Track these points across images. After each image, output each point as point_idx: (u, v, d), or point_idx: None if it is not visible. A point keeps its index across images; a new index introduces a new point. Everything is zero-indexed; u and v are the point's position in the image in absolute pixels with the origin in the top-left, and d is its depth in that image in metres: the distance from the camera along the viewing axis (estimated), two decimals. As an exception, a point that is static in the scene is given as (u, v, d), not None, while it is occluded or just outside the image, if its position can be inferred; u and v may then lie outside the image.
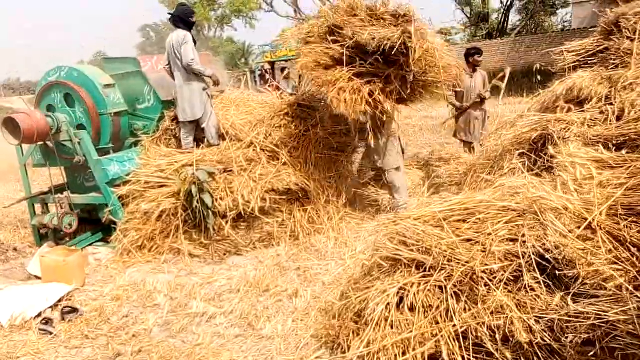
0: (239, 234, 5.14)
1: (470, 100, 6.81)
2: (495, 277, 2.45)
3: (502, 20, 28.11)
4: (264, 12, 29.18)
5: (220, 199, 5.02)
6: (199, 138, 5.93)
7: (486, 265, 2.47)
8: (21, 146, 5.48)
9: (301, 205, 5.52)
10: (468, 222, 2.75)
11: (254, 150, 5.54)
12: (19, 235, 6.34)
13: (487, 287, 2.44)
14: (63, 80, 5.48)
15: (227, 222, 5.05)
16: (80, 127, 5.47)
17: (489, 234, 2.60)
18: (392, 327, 2.63)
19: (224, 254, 5.10)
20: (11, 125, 5.00)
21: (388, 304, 2.67)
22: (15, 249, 5.64)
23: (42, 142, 5.34)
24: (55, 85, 5.47)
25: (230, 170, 5.28)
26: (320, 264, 4.66)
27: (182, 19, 5.68)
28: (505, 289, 2.44)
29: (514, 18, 29.96)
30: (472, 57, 6.91)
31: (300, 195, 5.48)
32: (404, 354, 2.52)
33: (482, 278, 2.45)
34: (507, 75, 6.86)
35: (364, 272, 3.24)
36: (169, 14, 5.88)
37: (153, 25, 43.41)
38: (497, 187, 3.05)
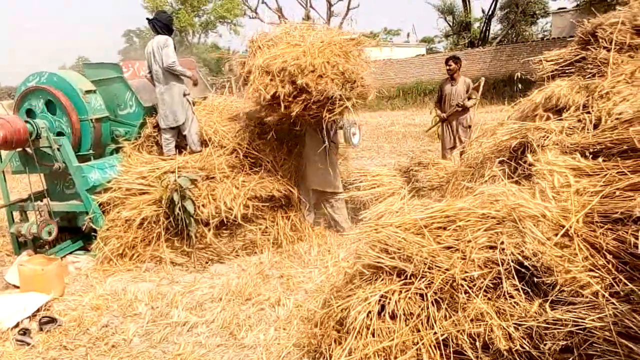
0: (221, 242, 5.11)
1: (452, 108, 6.90)
2: (475, 285, 2.46)
3: (484, 29, 28.54)
4: (248, 18, 29.18)
5: (203, 206, 5.00)
6: (181, 145, 5.89)
7: (466, 272, 2.48)
8: (-1, 152, 5.39)
9: (284, 213, 5.52)
10: (448, 230, 2.76)
11: (236, 156, 5.52)
12: (-4, 244, 6.22)
13: (467, 295, 2.45)
14: (43, 85, 5.41)
15: (209, 230, 5.03)
16: (60, 133, 5.40)
17: (469, 242, 2.61)
18: (373, 336, 2.62)
19: (206, 262, 5.07)
20: (-12, 132, 4.91)
21: (369, 312, 2.66)
22: (-8, 258, 5.52)
23: (21, 149, 5.26)
24: (35, 91, 5.41)
25: (213, 177, 5.25)
26: (303, 271, 4.65)
27: (164, 25, 5.70)
28: (485, 296, 2.46)
29: (495, 27, 30.50)
30: (446, 64, 7.09)
31: (283, 202, 5.48)
32: (385, 362, 2.52)
33: (462, 285, 2.46)
34: (482, 85, 6.97)
35: (346, 279, 3.24)
36: (148, 19, 5.85)
37: (136, 31, 43.14)
38: (477, 195, 3.07)
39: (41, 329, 3.86)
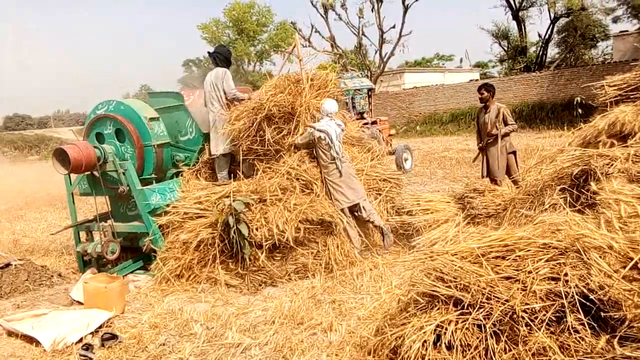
0: (274, 265, 5.18)
1: (485, 137, 6.75)
2: (536, 317, 2.38)
3: (541, 53, 27.88)
4: (302, 47, 29.89)
5: (256, 229, 5.08)
6: (235, 170, 6.08)
7: (527, 304, 2.41)
8: (69, 175, 5.73)
9: (335, 238, 5.52)
10: (507, 259, 2.69)
11: (288, 179, 5.62)
12: (63, 261, 6.58)
13: (528, 328, 2.37)
14: (111, 113, 5.74)
15: (262, 252, 5.10)
16: (125, 158, 5.70)
17: (529, 272, 2.54)
18: (429, 366, 2.57)
19: (260, 285, 5.13)
20: (61, 156, 5.25)
21: (425, 341, 2.62)
22: (60, 275, 5.83)
23: (89, 172, 5.58)
24: (103, 118, 5.74)
25: (265, 200, 5.36)
26: (355, 297, 4.62)
27: (225, 58, 6.11)
28: (548, 329, 2.37)
29: (552, 51, 29.71)
30: (479, 92, 6.90)
31: (334, 227, 5.49)
32: (441, 394, 2.46)
33: (523, 318, 2.38)
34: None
35: (399, 307, 3.20)
36: (209, 52, 6.20)
37: (195, 60, 45.07)
38: (537, 224, 2.99)
39: (103, 345, 4.01)
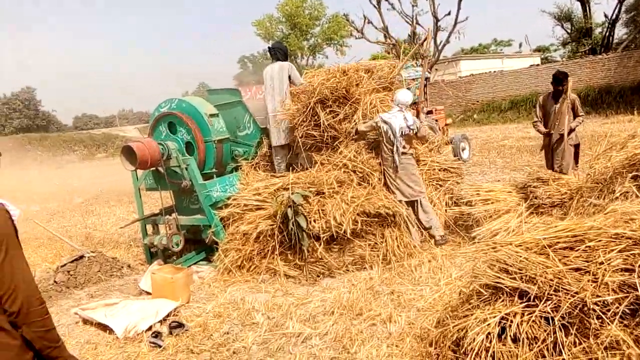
0: (331, 256, 5.22)
1: (553, 127, 6.43)
2: (609, 310, 2.28)
3: (607, 34, 26.29)
4: (354, 39, 29.72)
5: (314, 221, 5.14)
6: (292, 162, 6.17)
7: (598, 296, 2.31)
8: (136, 171, 6.01)
9: (393, 229, 5.49)
10: (576, 250, 2.59)
11: (345, 171, 5.63)
12: (132, 253, 6.92)
13: (600, 320, 2.27)
14: (174, 111, 5.96)
15: (320, 244, 5.16)
16: (187, 150, 5.90)
17: (601, 263, 2.43)
18: (493, 359, 2.52)
19: (318, 276, 5.19)
20: (128, 153, 5.51)
21: (489, 333, 2.57)
22: (129, 266, 6.14)
23: (154, 168, 5.83)
24: (167, 116, 5.97)
25: (323, 193, 5.40)
26: (414, 288, 4.58)
27: (284, 53, 6.35)
28: (621, 323, 2.26)
29: (620, 31, 27.92)
30: (557, 83, 6.46)
31: (391, 220, 5.46)
32: (507, 387, 2.41)
33: (594, 310, 2.29)
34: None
35: (461, 299, 3.15)
36: (269, 48, 6.37)
37: (250, 57, 45.89)
38: (608, 213, 2.85)
39: (171, 333, 4.20)
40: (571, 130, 6.37)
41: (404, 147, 5.64)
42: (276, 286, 5.05)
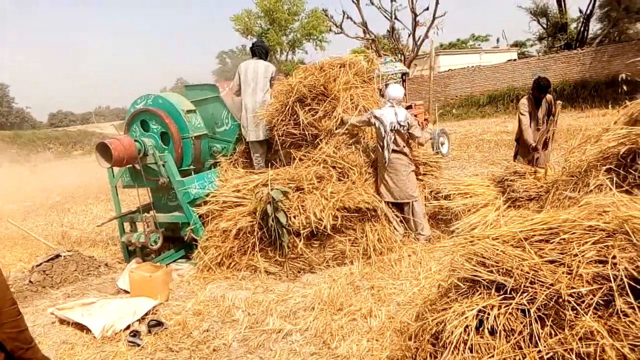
0: (312, 252, 5.22)
1: (541, 136, 6.36)
2: (583, 301, 2.31)
3: (582, 29, 26.74)
4: (333, 34, 29.71)
5: (294, 217, 5.13)
6: (271, 159, 6.14)
7: (573, 288, 2.34)
8: (112, 169, 5.91)
9: (373, 224, 5.51)
10: (551, 243, 2.62)
11: (324, 167, 5.62)
12: (109, 252, 6.82)
13: (575, 312, 2.31)
14: (150, 107, 5.87)
15: (300, 240, 5.15)
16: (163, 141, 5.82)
17: (575, 255, 2.46)
18: (471, 351, 2.54)
19: (298, 272, 5.19)
20: (103, 150, 5.42)
21: (467, 326, 2.58)
22: (106, 265, 6.05)
23: (130, 165, 5.73)
24: (142, 112, 5.88)
25: (302, 189, 5.38)
26: (394, 283, 4.61)
27: (265, 51, 6.38)
28: (595, 314, 2.29)
29: (594, 27, 28.42)
30: (542, 90, 6.23)
31: (370, 214, 5.47)
32: (484, 379, 2.43)
33: (569, 302, 2.32)
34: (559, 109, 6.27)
35: (440, 293, 3.16)
36: (251, 46, 6.38)
37: (229, 52, 45.47)
38: (582, 205, 2.89)
39: (149, 332, 4.15)
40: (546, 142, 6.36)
41: (395, 145, 5.57)
42: (256, 283, 5.03)
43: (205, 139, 6.13)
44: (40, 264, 5.74)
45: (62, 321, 4.46)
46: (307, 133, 5.75)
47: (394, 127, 5.51)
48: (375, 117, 5.52)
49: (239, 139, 6.33)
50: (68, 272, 5.67)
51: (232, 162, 6.27)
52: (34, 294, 5.27)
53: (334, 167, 5.65)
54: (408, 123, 5.56)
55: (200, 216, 5.61)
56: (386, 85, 11.51)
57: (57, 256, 5.86)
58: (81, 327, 4.28)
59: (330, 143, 5.78)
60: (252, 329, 4.03)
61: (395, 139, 5.55)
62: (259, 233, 5.25)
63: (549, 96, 6.39)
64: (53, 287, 5.42)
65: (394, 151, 5.57)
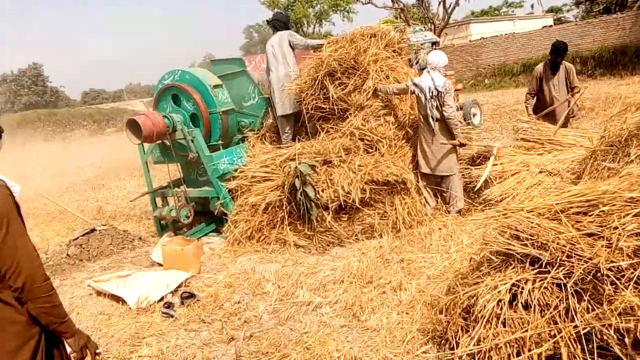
0: (341, 226, 5.20)
1: (550, 101, 6.30)
2: (623, 276, 2.22)
3: (623, -9, 25.42)
4: (361, 5, 29.08)
5: (322, 190, 5.11)
6: (297, 132, 6.10)
7: (612, 262, 2.25)
8: (142, 145, 5.98)
9: (402, 197, 5.43)
10: (590, 215, 2.52)
11: (351, 139, 5.55)
12: (143, 226, 6.98)
13: (614, 286, 2.22)
14: (177, 82, 5.88)
15: (329, 214, 5.13)
16: (193, 122, 5.83)
17: (615, 228, 2.36)
18: (504, 326, 2.50)
19: (327, 245, 5.19)
20: (133, 126, 5.47)
21: (500, 300, 2.54)
22: (140, 238, 6.19)
23: (160, 141, 5.79)
24: (170, 88, 5.89)
25: (330, 162, 5.34)
26: (424, 256, 4.56)
27: (283, 23, 6.18)
28: (636, 288, 2.21)
29: (637, -12, 26.93)
30: (557, 54, 6.19)
31: (400, 187, 5.39)
32: (518, 354, 2.39)
33: (608, 276, 2.24)
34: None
35: (472, 266, 3.11)
36: (268, 21, 6.26)
37: (255, 26, 45.18)
38: (623, 176, 2.77)
39: (182, 303, 4.24)
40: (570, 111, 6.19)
41: (439, 113, 5.33)
42: (286, 256, 5.06)
43: (232, 114, 6.12)
44: (77, 238, 5.91)
45: (99, 293, 4.60)
46: (336, 107, 5.66)
47: (433, 94, 5.31)
48: (415, 84, 5.37)
49: (266, 113, 6.30)
50: (104, 245, 5.83)
51: (259, 137, 6.26)
52: (72, 267, 5.45)
53: (362, 140, 5.58)
54: (445, 89, 5.33)
55: (229, 191, 5.65)
56: (415, 55, 11.26)
57: (93, 230, 6.02)
58: (117, 299, 4.40)
59: (359, 115, 5.68)
60: (282, 301, 4.07)
61: (437, 106, 5.34)
62: (288, 207, 5.26)
63: (568, 64, 6.16)
64: (90, 260, 5.59)
65: (437, 120, 5.38)
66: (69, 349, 2.02)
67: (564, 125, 6.16)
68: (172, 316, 4.05)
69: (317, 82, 5.64)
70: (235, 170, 5.73)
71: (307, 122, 5.87)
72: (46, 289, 1.80)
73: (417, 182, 5.57)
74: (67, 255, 5.66)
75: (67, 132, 30.24)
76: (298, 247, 5.22)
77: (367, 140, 5.58)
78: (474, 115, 11.27)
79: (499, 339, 2.44)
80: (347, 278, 4.27)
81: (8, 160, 16.38)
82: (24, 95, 48.23)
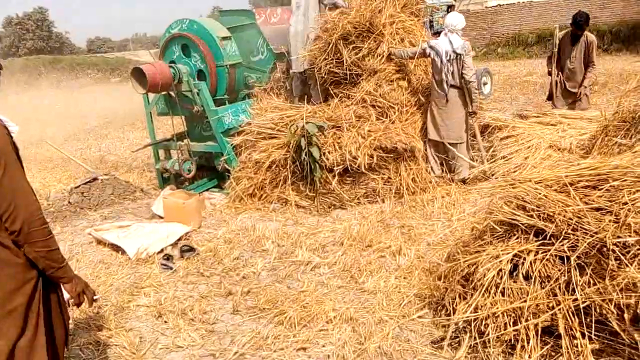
0: (344, 189, 5.17)
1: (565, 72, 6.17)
2: (629, 252, 2.20)
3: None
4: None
5: (328, 152, 5.05)
6: (308, 94, 5.97)
7: (619, 237, 2.22)
8: (147, 95, 5.88)
9: (408, 164, 5.37)
10: (599, 189, 2.47)
11: (363, 106, 5.45)
12: (145, 178, 6.96)
13: (618, 262, 2.20)
14: (184, 32, 5.73)
15: (333, 176, 5.09)
16: (199, 77, 5.72)
17: (624, 204, 2.32)
18: (503, 295, 2.49)
19: (329, 207, 5.17)
20: (138, 75, 5.37)
21: (500, 270, 2.52)
22: (142, 190, 6.19)
23: (165, 92, 5.69)
24: (177, 38, 5.75)
25: (340, 127, 5.25)
26: (426, 223, 4.55)
27: None
28: (640, 265, 2.19)
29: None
30: (578, 26, 5.96)
31: (407, 156, 5.32)
32: (514, 323, 2.39)
33: (613, 251, 2.21)
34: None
35: (474, 235, 3.09)
36: None
37: (266, -21, 43.89)
38: (636, 152, 2.71)
39: (182, 256, 4.27)
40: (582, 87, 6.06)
41: (453, 79, 5.20)
42: (287, 215, 5.06)
43: (240, 68, 5.99)
44: (79, 185, 5.91)
45: (99, 242, 4.62)
46: (349, 72, 5.50)
47: (450, 57, 5.14)
48: (431, 47, 5.20)
49: (274, 69, 6.17)
50: (105, 195, 5.82)
51: (266, 91, 6.14)
52: (73, 215, 5.47)
53: (373, 107, 5.47)
54: (465, 51, 5.16)
55: (233, 147, 5.59)
56: (431, 16, 10.96)
57: (95, 179, 6.01)
58: (117, 248, 4.43)
59: (371, 80, 5.55)
60: (281, 259, 4.08)
61: (453, 71, 5.20)
62: (292, 166, 5.21)
63: (591, 37, 5.96)
64: (91, 209, 5.59)
65: (452, 86, 5.25)
66: (66, 295, 2.01)
67: (572, 107, 6.07)
68: (171, 268, 4.07)
69: (330, 46, 5.45)
70: (240, 126, 5.65)
71: (319, 86, 5.71)
72: (44, 232, 1.78)
73: (425, 149, 5.50)
74: (69, 202, 5.67)
75: (71, 80, 29.88)
76: (299, 208, 5.21)
77: (379, 106, 5.47)
78: (485, 84, 11.06)
79: (497, 308, 2.44)
80: (346, 240, 4.27)
81: (13, 104, 16.28)
82: (28, 40, 47.42)
